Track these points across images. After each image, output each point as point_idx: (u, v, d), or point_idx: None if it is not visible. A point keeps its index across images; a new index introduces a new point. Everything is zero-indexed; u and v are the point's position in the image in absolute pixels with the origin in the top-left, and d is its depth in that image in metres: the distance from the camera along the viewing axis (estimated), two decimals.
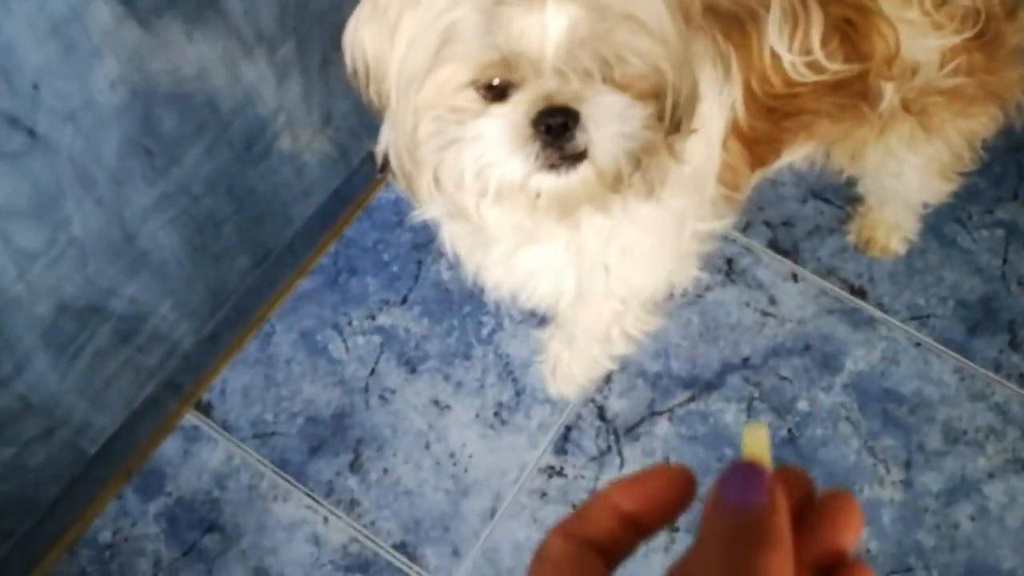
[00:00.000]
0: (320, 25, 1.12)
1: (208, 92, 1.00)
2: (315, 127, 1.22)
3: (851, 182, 1.52)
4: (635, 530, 0.39)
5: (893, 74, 1.08)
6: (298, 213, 1.32)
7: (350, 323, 1.58)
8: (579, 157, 0.84)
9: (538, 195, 0.87)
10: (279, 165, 1.20)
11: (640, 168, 0.89)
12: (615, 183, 0.88)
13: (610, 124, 0.83)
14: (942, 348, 1.55)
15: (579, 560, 0.38)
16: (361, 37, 0.88)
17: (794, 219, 1.66)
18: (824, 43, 1.03)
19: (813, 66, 1.03)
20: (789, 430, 1.49)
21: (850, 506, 0.37)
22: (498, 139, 0.83)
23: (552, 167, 0.84)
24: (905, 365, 1.54)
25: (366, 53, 0.88)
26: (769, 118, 1.09)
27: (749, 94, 1.06)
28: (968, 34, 1.07)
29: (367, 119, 1.37)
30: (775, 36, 1.02)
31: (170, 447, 1.49)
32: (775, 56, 1.03)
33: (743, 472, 0.37)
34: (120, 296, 1.09)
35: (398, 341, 1.57)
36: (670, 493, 0.39)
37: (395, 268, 1.62)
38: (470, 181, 0.85)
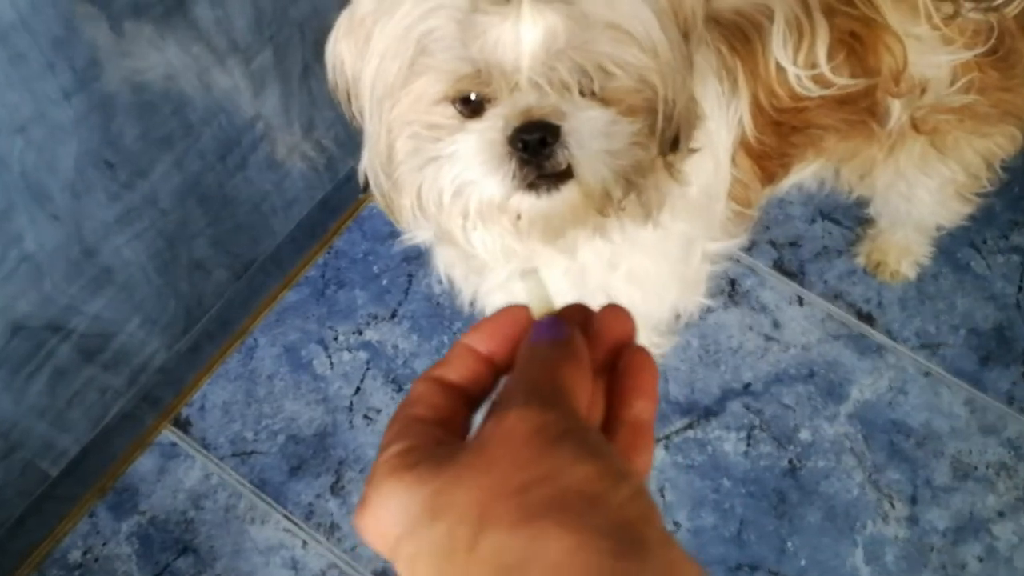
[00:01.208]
0: (300, 32, 1.06)
1: (176, 102, 0.94)
2: (296, 137, 1.17)
3: (861, 203, 1.46)
4: (493, 369, 0.44)
5: (901, 90, 1.03)
6: (280, 225, 1.26)
7: (336, 338, 1.53)
8: (562, 176, 0.78)
9: (519, 216, 0.82)
10: (257, 176, 1.14)
11: (634, 189, 0.84)
12: (604, 205, 0.83)
13: (594, 140, 0.78)
14: (953, 378, 1.48)
15: (442, 397, 0.43)
16: (340, 51, 0.83)
17: (801, 239, 1.60)
18: (830, 56, 0.98)
19: (819, 80, 0.99)
20: (790, 460, 1.43)
21: (618, 310, 0.45)
22: (474, 157, 0.78)
23: (532, 187, 0.78)
24: (913, 395, 1.47)
25: (345, 68, 0.84)
26: (777, 132, 1.04)
27: (757, 107, 1.01)
28: (980, 50, 1.02)
29: (353, 128, 1.32)
30: (779, 48, 0.98)
31: (145, 464, 1.44)
32: (781, 69, 0.99)
33: (544, 323, 0.44)
34: (82, 313, 1.04)
35: (385, 358, 1.51)
36: (517, 330, 0.44)
37: (385, 281, 1.56)
38: (449, 201, 0.80)
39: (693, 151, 0.89)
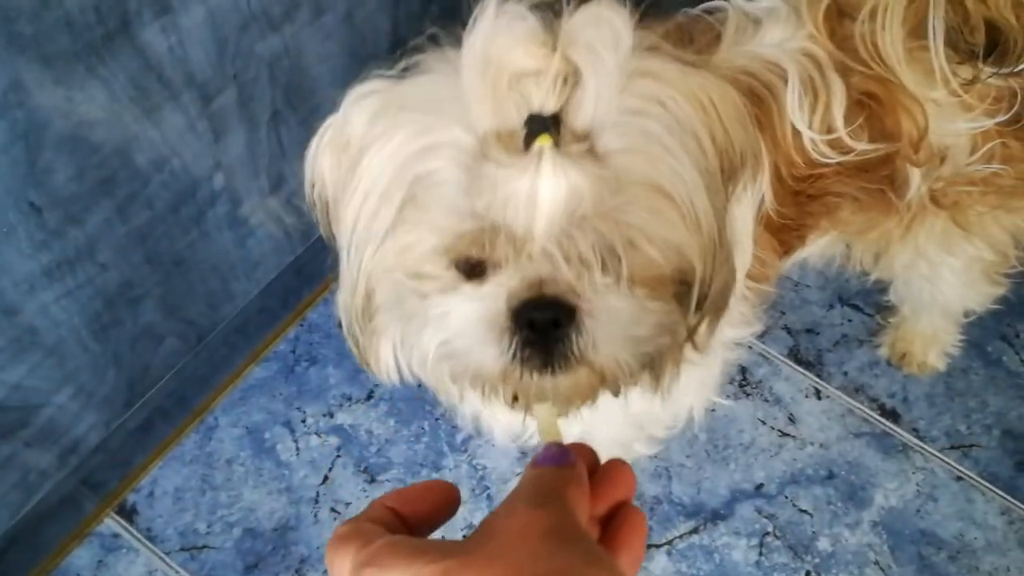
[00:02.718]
0: (269, 72, 0.94)
1: (118, 140, 0.82)
2: (263, 192, 1.04)
3: (881, 288, 1.33)
4: (405, 525, 0.45)
5: (920, 159, 0.94)
6: (242, 290, 1.13)
7: (304, 420, 1.38)
8: (572, 357, 0.67)
9: (515, 393, 0.71)
10: (216, 233, 1.01)
11: (652, 366, 0.73)
12: (616, 385, 0.72)
13: (614, 330, 0.67)
14: (987, 485, 1.33)
15: (360, 529, 0.43)
16: (321, 165, 0.72)
17: (818, 326, 1.46)
18: (847, 119, 0.89)
19: (836, 145, 0.89)
20: (808, 573, 1.27)
21: (624, 468, 0.48)
22: (470, 329, 0.67)
23: (536, 368, 0.67)
24: (944, 502, 1.32)
25: (325, 186, 0.73)
26: (795, 202, 0.94)
27: (776, 178, 0.92)
28: (1002, 118, 0.93)
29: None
30: (795, 111, 0.88)
31: (82, 557, 1.28)
32: (797, 134, 0.89)
33: (551, 448, 0.46)
34: None
35: (358, 444, 1.36)
36: (434, 504, 0.46)
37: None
38: (434, 364, 0.70)
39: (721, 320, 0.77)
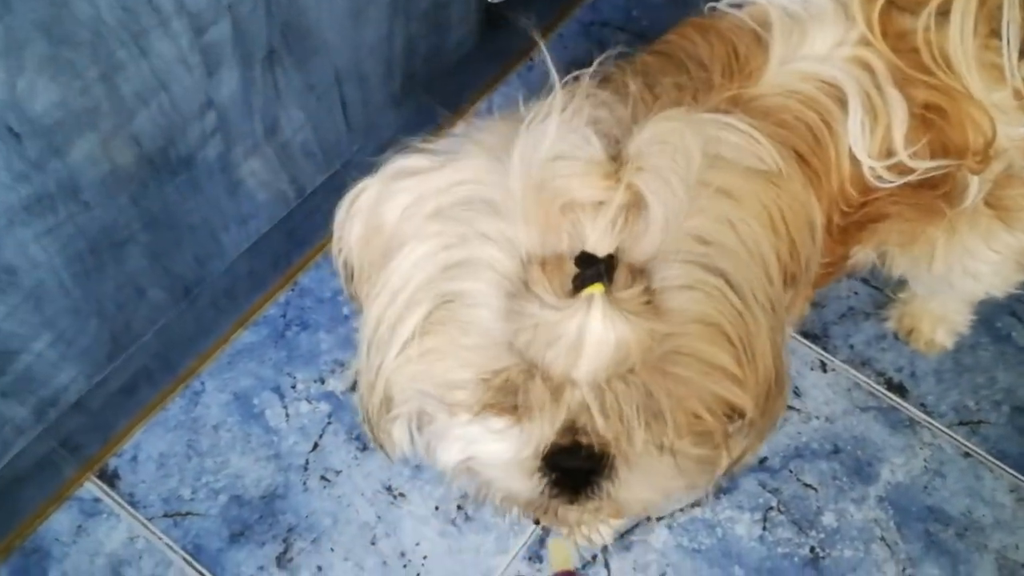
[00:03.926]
0: (267, 8, 0.89)
1: (103, 66, 0.77)
2: (256, 137, 0.99)
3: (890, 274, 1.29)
4: None
5: (982, 167, 0.88)
6: (232, 243, 1.08)
7: (294, 386, 1.33)
8: (601, 498, 0.65)
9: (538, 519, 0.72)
10: (206, 179, 0.97)
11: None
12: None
13: (650, 479, 0.65)
14: (995, 462, 1.30)
15: None
16: (350, 231, 0.69)
17: (825, 299, 1.42)
18: (909, 140, 0.82)
19: (896, 168, 0.83)
20: (812, 548, 1.23)
21: None
22: (496, 467, 0.65)
23: (563, 503, 0.66)
24: (952, 479, 1.29)
25: (351, 254, 0.70)
26: (842, 240, 0.89)
27: (826, 232, 0.85)
28: None
29: (327, 138, 1.15)
30: (857, 140, 0.81)
31: (61, 521, 1.23)
32: (854, 162, 0.82)
33: None
34: None
35: (350, 411, 1.31)
36: None
37: (354, 324, 1.37)
38: (455, 475, 0.69)
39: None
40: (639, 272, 0.59)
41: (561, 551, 0.61)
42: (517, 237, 0.59)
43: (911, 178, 0.84)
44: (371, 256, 0.67)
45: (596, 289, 0.56)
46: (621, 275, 0.58)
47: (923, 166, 0.83)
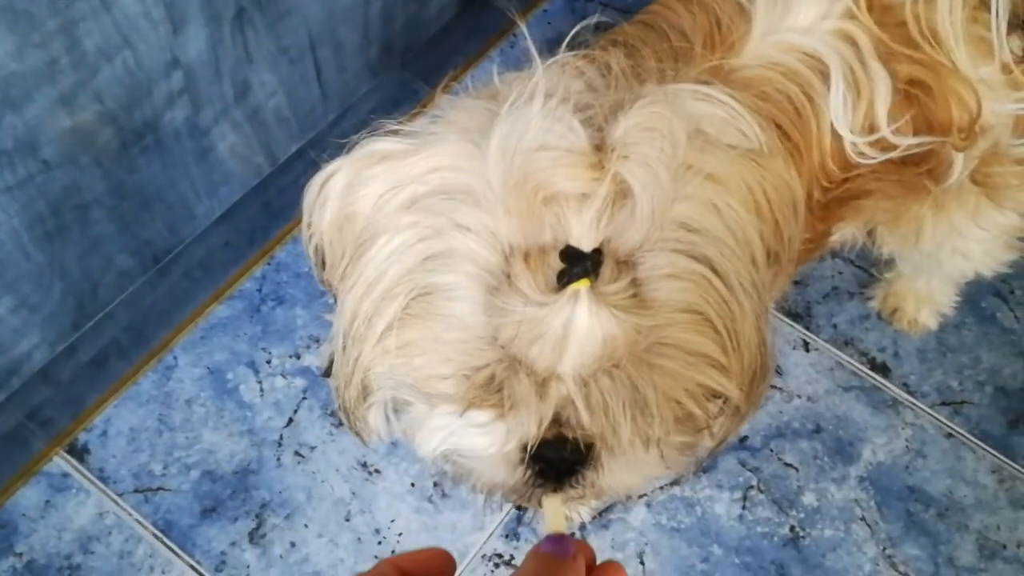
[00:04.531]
0: None
1: (63, 19, 0.74)
2: (226, 100, 0.97)
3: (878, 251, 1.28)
4: None
5: (967, 144, 0.86)
6: (203, 211, 1.06)
7: (269, 361, 1.31)
8: (584, 486, 0.65)
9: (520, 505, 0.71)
10: (174, 142, 0.94)
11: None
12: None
13: (634, 469, 0.64)
14: (978, 442, 1.28)
15: None
16: (321, 216, 0.66)
17: (808, 278, 1.41)
18: (893, 115, 0.80)
19: (879, 144, 0.81)
20: (792, 528, 1.22)
21: (619, 571, 0.49)
22: (478, 459, 0.64)
23: (546, 490, 0.65)
24: (934, 459, 1.27)
25: (322, 239, 0.67)
26: (823, 216, 0.87)
27: (807, 208, 0.83)
28: None
29: (301, 106, 1.13)
30: (839, 115, 0.79)
31: (28, 496, 1.20)
32: (836, 137, 0.81)
33: (555, 538, 0.49)
34: None
35: (325, 387, 1.29)
36: (435, 565, 0.49)
37: (330, 299, 1.35)
38: (434, 463, 0.68)
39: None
40: (625, 264, 0.58)
41: (556, 513, 0.60)
42: (498, 229, 0.58)
43: (894, 155, 0.82)
44: (344, 245, 0.66)
45: (582, 284, 0.55)
46: (607, 269, 0.56)
47: (906, 142, 0.82)
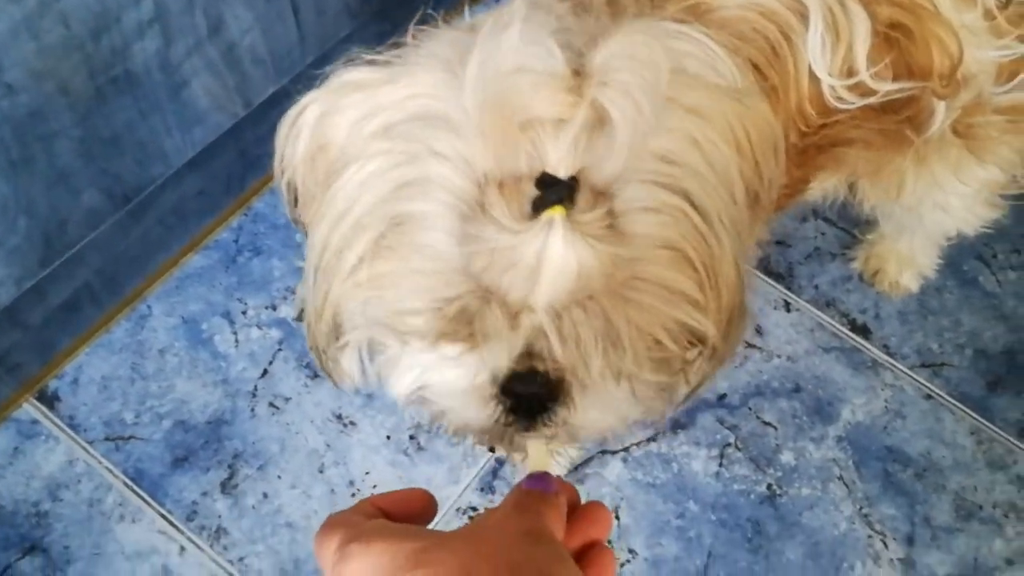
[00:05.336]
0: None
1: None
2: (199, 34, 0.94)
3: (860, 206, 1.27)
4: (387, 518, 0.49)
5: (948, 92, 0.84)
6: (175, 150, 1.04)
7: (245, 312, 1.29)
8: (558, 425, 0.63)
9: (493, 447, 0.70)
10: (144, 75, 0.92)
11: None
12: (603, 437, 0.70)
13: (607, 406, 0.63)
14: (957, 404, 1.28)
15: (350, 518, 0.47)
16: (294, 150, 0.64)
17: (791, 239, 1.40)
18: (872, 59, 0.78)
19: (857, 89, 0.79)
20: (769, 486, 1.21)
21: (601, 510, 0.52)
22: (450, 391, 0.63)
23: (519, 430, 0.64)
24: (912, 420, 1.27)
25: (295, 175, 0.65)
26: (800, 162, 0.85)
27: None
28: None
29: (277, 46, 1.10)
30: (817, 57, 0.78)
31: None
32: (814, 80, 0.79)
33: (538, 475, 0.50)
34: None
35: (301, 338, 1.28)
36: (415, 505, 0.51)
37: (305, 243, 1.34)
38: (408, 403, 0.66)
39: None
40: (602, 194, 0.56)
41: (541, 454, 0.61)
42: (473, 156, 0.56)
43: (872, 100, 0.81)
44: (316, 176, 0.64)
45: (557, 212, 0.53)
46: (583, 197, 0.55)
47: (885, 87, 0.80)
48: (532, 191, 0.54)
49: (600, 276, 0.55)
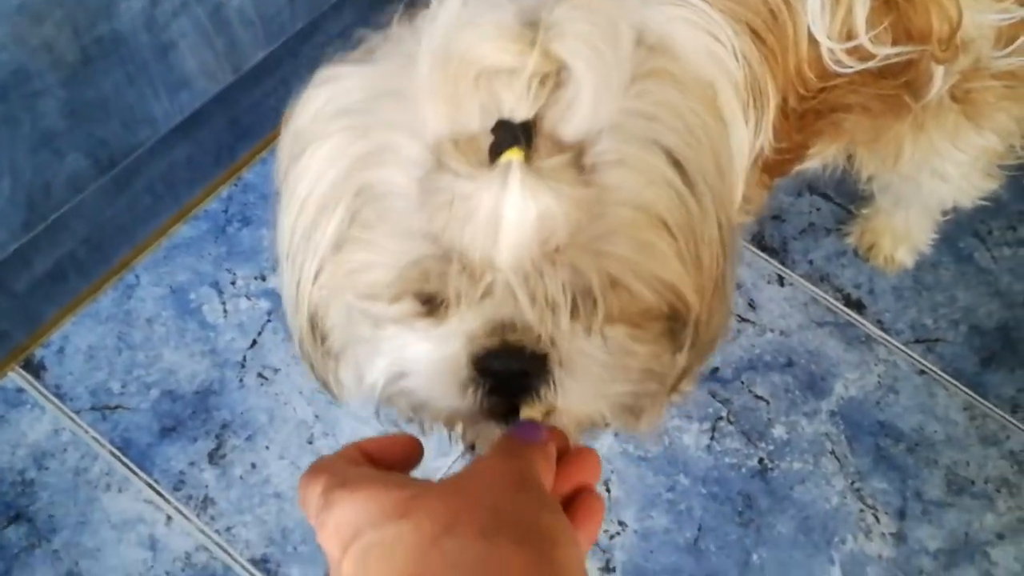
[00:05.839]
0: None
1: None
2: None
3: (857, 176, 1.26)
4: (372, 463, 0.50)
5: (947, 56, 0.83)
6: (162, 113, 1.02)
7: (234, 282, 1.28)
8: (539, 407, 0.60)
9: (474, 444, 0.68)
10: (131, 35, 0.90)
11: (631, 412, 0.65)
12: (589, 428, 0.66)
13: (589, 379, 0.59)
14: (950, 380, 1.27)
15: (335, 463, 0.48)
16: (281, 146, 0.63)
17: (785, 213, 1.39)
18: (872, 21, 0.77)
19: (856, 53, 0.79)
20: (760, 460, 1.20)
21: (591, 455, 0.52)
22: (425, 371, 0.59)
23: (499, 417, 0.60)
24: (905, 396, 1.26)
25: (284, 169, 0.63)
26: (800, 127, 0.84)
27: (782, 115, 0.80)
28: None
29: (267, 8, 1.09)
30: (816, 19, 0.77)
31: None
32: (813, 43, 0.78)
33: (527, 424, 0.52)
34: None
35: None
36: (401, 450, 0.52)
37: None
38: (384, 396, 0.63)
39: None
40: (570, 145, 0.54)
41: (531, 414, 0.60)
42: (426, 118, 0.54)
43: (871, 64, 0.80)
44: (285, 168, 0.62)
45: (514, 155, 0.51)
46: (544, 144, 0.53)
47: (884, 51, 0.79)
48: (489, 139, 0.53)
49: (566, 225, 0.52)
